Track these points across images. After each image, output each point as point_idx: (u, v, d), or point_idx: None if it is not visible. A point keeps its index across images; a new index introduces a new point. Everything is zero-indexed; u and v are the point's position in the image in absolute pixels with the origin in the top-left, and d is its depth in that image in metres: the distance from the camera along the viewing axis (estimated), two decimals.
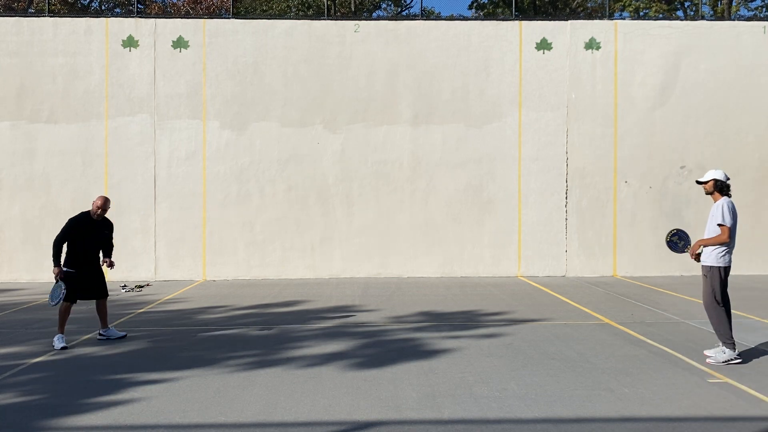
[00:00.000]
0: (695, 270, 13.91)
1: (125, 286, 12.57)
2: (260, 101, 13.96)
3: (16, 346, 7.43)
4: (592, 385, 5.68)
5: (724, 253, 6.38)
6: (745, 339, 7.46)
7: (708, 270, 6.44)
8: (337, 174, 14.00)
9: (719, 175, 6.51)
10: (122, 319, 9.11)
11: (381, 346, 7.25)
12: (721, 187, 6.51)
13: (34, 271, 13.65)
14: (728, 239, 6.32)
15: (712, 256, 6.41)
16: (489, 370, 6.15)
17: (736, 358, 6.34)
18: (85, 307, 10.29)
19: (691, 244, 6.75)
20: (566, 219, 14.05)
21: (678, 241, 6.95)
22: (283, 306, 10.27)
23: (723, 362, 6.33)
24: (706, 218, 6.60)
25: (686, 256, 7.44)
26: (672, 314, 9.18)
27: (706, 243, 6.41)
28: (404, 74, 14.08)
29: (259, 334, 8.06)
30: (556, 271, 13.98)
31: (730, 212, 6.35)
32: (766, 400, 5.21)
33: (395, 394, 5.42)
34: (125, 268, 13.51)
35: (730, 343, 6.34)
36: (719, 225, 6.36)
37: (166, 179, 13.73)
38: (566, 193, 14.07)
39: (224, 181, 13.84)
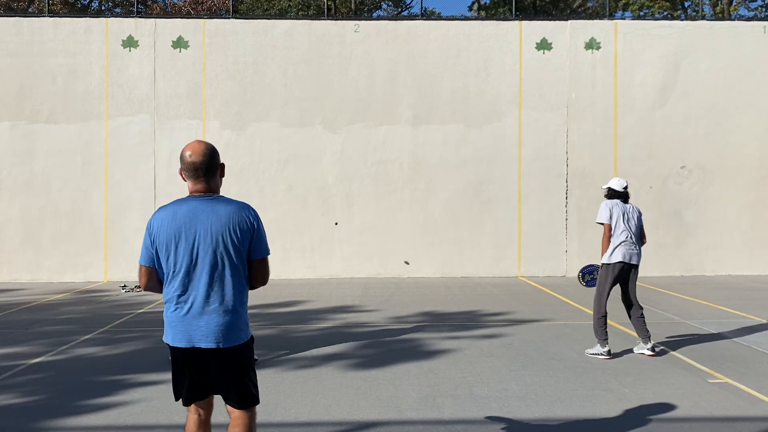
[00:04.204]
0: (695, 270, 13.93)
1: (125, 286, 12.57)
2: (260, 101, 13.96)
3: (16, 346, 7.42)
4: (592, 385, 5.67)
5: (611, 251, 6.66)
6: (746, 339, 7.46)
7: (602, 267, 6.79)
8: (337, 174, 14.00)
9: (614, 185, 6.90)
10: (122, 319, 9.11)
11: (381, 347, 7.25)
12: (610, 195, 6.88)
13: (34, 271, 13.65)
14: (608, 234, 6.65)
15: (605, 256, 6.74)
16: (489, 370, 6.15)
17: (602, 354, 6.59)
18: (84, 307, 10.31)
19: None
20: (566, 219, 14.05)
21: (591, 277, 7.27)
22: (283, 306, 10.26)
23: (590, 354, 6.66)
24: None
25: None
26: (672, 314, 9.18)
27: (602, 254, 6.73)
28: (404, 74, 14.08)
29: (259, 334, 8.06)
30: (556, 271, 13.98)
31: (606, 209, 6.72)
32: (766, 400, 5.21)
33: (395, 394, 5.42)
34: (125, 268, 13.52)
35: (602, 340, 6.62)
36: (598, 223, 6.82)
37: (166, 179, 13.73)
38: (566, 193, 14.07)
39: (224, 181, 13.73)
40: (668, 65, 14.19)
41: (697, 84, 14.18)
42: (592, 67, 14.14)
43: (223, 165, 3.27)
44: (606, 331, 6.65)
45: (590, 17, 24.56)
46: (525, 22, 14.27)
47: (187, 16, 20.16)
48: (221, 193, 3.21)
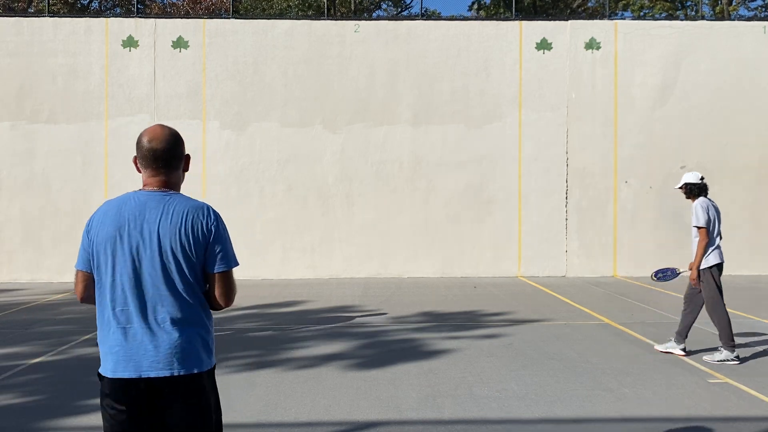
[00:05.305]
0: None
1: None
2: (260, 101, 13.96)
3: (16, 346, 7.42)
4: (592, 385, 5.67)
5: (708, 254, 6.44)
6: (745, 339, 7.46)
7: (701, 275, 6.49)
8: (337, 174, 14.00)
9: (690, 179, 6.61)
10: None
11: (381, 347, 7.25)
12: (691, 189, 6.60)
13: (34, 271, 13.64)
14: (707, 239, 6.38)
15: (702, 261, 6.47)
16: (489, 370, 6.15)
17: (733, 360, 6.37)
18: (85, 307, 10.32)
19: (676, 268, 6.99)
20: (566, 219, 14.04)
21: (662, 275, 7.09)
22: (283, 306, 10.26)
23: (718, 361, 6.39)
24: None
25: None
26: (672, 314, 9.17)
27: (698, 262, 6.43)
28: (404, 74, 14.08)
29: (259, 334, 8.06)
30: (556, 271, 13.98)
31: (704, 212, 6.42)
32: (766, 400, 5.21)
33: (395, 394, 5.42)
34: None
35: (730, 346, 6.39)
36: (696, 227, 6.46)
37: None
38: (566, 193, 14.07)
39: (224, 181, 13.84)
40: (668, 65, 14.19)
41: (697, 84, 14.18)
42: (592, 67, 14.14)
43: (188, 156, 2.67)
44: (733, 335, 6.39)
45: (590, 17, 24.57)
46: (525, 22, 14.27)
47: (187, 16, 20.17)
48: (182, 191, 2.67)
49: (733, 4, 29.48)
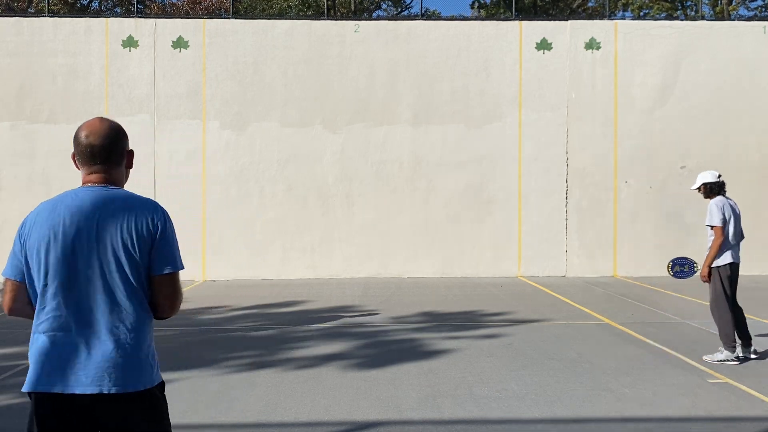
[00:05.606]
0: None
1: None
2: (260, 101, 13.96)
3: (16, 347, 7.43)
4: (592, 385, 5.67)
5: (722, 252, 6.39)
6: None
7: (711, 273, 6.46)
8: (337, 174, 14.00)
9: (708, 178, 6.53)
10: None
11: (381, 347, 7.25)
12: (712, 188, 6.52)
13: None
14: (722, 238, 6.31)
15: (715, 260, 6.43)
16: (489, 370, 6.15)
17: (732, 360, 6.35)
18: None
19: (695, 263, 6.88)
20: (566, 219, 14.04)
21: (680, 269, 6.96)
22: (283, 306, 10.26)
23: (718, 361, 6.36)
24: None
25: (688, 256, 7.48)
26: (672, 314, 9.19)
27: (711, 259, 6.37)
28: (404, 74, 14.08)
29: (259, 334, 8.06)
30: (556, 271, 13.97)
31: (719, 210, 6.35)
32: (766, 400, 5.21)
33: (395, 394, 5.42)
34: None
35: (731, 346, 6.36)
36: (709, 227, 6.41)
37: (166, 179, 13.72)
38: (566, 193, 14.07)
39: (224, 181, 13.83)
40: (668, 65, 14.18)
41: (697, 84, 14.17)
42: (592, 67, 14.14)
43: (131, 152, 2.43)
44: (735, 336, 6.34)
45: (590, 17, 24.58)
46: (525, 22, 14.27)
47: (187, 16, 20.18)
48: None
49: (733, 4, 29.50)
